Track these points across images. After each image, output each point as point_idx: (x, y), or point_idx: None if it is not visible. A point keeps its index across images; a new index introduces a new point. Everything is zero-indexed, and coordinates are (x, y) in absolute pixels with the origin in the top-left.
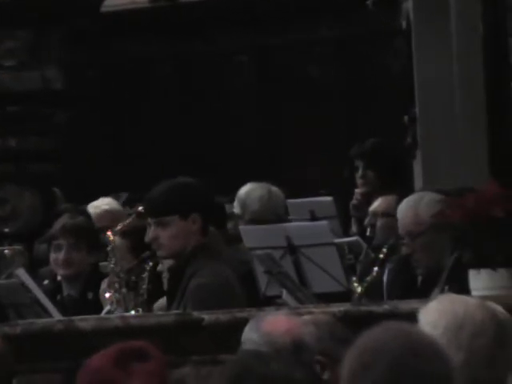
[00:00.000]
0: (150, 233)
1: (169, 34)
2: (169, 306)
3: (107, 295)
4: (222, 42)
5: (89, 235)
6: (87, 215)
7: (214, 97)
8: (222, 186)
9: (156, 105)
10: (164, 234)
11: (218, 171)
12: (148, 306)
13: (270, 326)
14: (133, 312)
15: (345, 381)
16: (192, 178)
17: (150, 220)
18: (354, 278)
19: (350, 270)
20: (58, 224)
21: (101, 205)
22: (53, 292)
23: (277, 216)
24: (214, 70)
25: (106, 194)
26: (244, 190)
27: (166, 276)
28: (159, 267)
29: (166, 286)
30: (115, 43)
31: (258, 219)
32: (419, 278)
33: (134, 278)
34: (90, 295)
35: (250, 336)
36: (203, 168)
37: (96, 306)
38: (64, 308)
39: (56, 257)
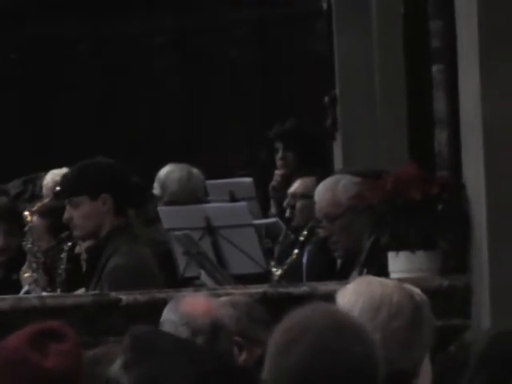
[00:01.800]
0: (66, 213)
1: (85, 13)
2: (87, 287)
3: (26, 275)
4: (141, 23)
5: (19, 217)
6: (8, 195)
7: (136, 78)
8: (143, 167)
9: (75, 87)
10: (76, 214)
11: (139, 152)
12: (66, 286)
13: (188, 307)
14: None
15: (270, 355)
16: (109, 159)
17: (63, 200)
18: (273, 263)
19: (267, 253)
20: None
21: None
22: None
23: (196, 197)
24: (134, 51)
25: (25, 175)
26: (163, 172)
27: (84, 257)
28: (77, 249)
29: (84, 267)
30: (29, 24)
31: (177, 200)
32: (338, 261)
33: (51, 257)
34: (15, 276)
35: (169, 317)
36: (123, 149)
37: (19, 287)
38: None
39: None
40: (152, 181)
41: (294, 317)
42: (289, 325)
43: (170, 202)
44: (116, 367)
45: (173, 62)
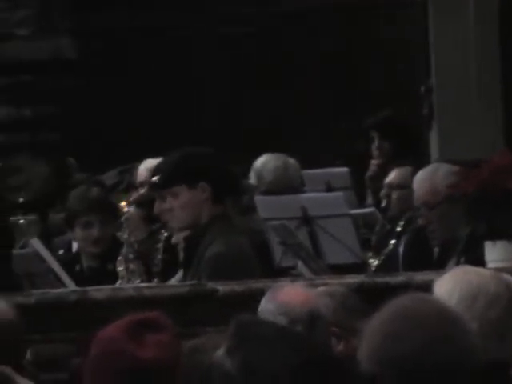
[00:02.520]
0: (159, 205)
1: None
2: (184, 277)
3: (121, 268)
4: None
5: (113, 208)
6: (102, 186)
7: (223, 65)
8: (236, 156)
9: (167, 75)
10: (175, 205)
11: (232, 141)
12: (163, 276)
13: (286, 297)
14: (147, 282)
15: (371, 350)
16: (205, 148)
17: (158, 191)
18: (370, 254)
19: (364, 244)
20: (79, 197)
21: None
22: (70, 262)
23: (292, 187)
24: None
25: (119, 165)
26: (260, 161)
27: (181, 246)
28: (174, 239)
29: (181, 256)
30: (120, 11)
31: (273, 190)
32: (435, 250)
33: (147, 247)
34: (110, 266)
35: (267, 306)
36: (216, 138)
37: (115, 277)
38: (83, 279)
39: (87, 234)
40: (247, 170)
41: (395, 307)
42: (391, 315)
43: (267, 192)
44: (220, 353)
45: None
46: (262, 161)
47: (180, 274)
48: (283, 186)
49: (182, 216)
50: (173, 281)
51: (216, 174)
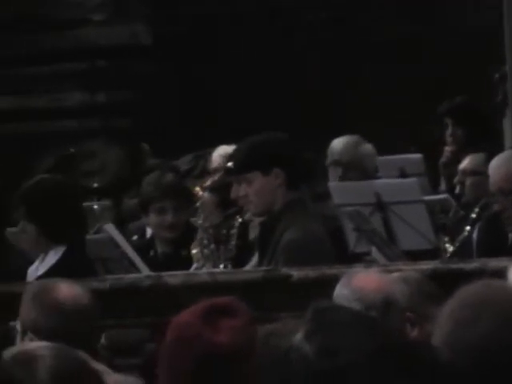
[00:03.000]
0: (236, 190)
1: None
2: (259, 263)
3: (195, 251)
4: None
5: (187, 194)
6: (177, 171)
7: (296, 53)
8: (310, 141)
9: (235, 60)
10: (249, 191)
11: (306, 127)
12: (237, 261)
13: (361, 283)
14: (221, 267)
15: (443, 336)
16: (279, 133)
17: (234, 177)
18: (446, 238)
19: (440, 229)
20: (154, 183)
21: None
22: (144, 248)
23: (366, 173)
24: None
25: (194, 150)
26: (336, 144)
27: (252, 226)
28: (248, 216)
29: (256, 241)
30: None
31: (346, 170)
32: (510, 236)
33: (224, 232)
34: (185, 252)
35: (342, 292)
36: (284, 123)
37: (189, 263)
38: (158, 264)
39: (161, 220)
40: (322, 156)
41: (467, 293)
42: (463, 302)
43: (341, 177)
44: (297, 337)
45: (337, 36)
46: (338, 143)
47: (255, 260)
48: (358, 169)
49: (257, 202)
50: (248, 267)
51: (290, 161)
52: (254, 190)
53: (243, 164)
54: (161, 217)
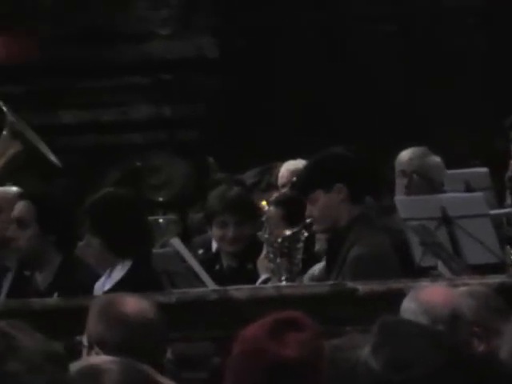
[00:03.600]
0: (307, 210)
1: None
2: (327, 276)
3: (262, 265)
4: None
5: (250, 208)
6: (242, 185)
7: (361, 66)
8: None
9: (300, 72)
10: (314, 210)
11: (373, 140)
12: (303, 276)
13: (428, 296)
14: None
15: (510, 350)
16: (341, 148)
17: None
18: None
19: (506, 243)
20: (218, 197)
21: (297, 164)
22: (210, 262)
23: (433, 187)
24: (357, 38)
25: (259, 164)
26: (403, 155)
27: (318, 238)
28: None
29: (324, 255)
30: (265, 9)
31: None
32: None
33: (290, 246)
34: (250, 265)
35: (409, 306)
36: (349, 139)
37: (255, 276)
38: (223, 278)
39: (223, 233)
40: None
41: None
42: None
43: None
44: (365, 351)
45: (399, 48)
46: (405, 155)
47: (316, 266)
48: (422, 176)
49: (322, 219)
50: (309, 272)
51: (351, 175)
52: (318, 208)
53: (305, 185)
54: (222, 231)
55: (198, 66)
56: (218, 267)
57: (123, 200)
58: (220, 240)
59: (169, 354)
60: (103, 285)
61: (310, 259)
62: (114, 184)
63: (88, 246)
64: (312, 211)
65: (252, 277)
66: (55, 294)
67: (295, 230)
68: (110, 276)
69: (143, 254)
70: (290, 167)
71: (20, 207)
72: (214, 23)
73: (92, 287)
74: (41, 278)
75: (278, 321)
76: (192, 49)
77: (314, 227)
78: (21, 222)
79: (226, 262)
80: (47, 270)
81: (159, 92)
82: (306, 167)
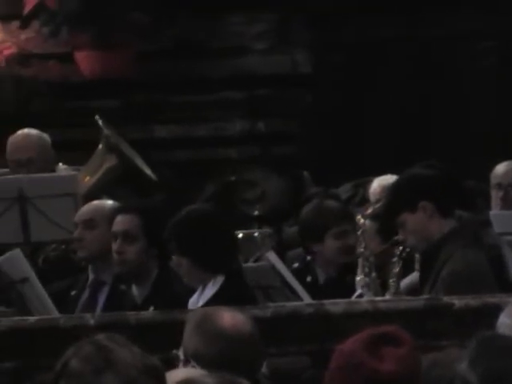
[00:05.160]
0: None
1: (407, 15)
2: (421, 290)
3: (358, 279)
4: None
5: (350, 220)
6: (337, 199)
7: (453, 82)
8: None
9: (395, 88)
10: (405, 233)
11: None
12: (398, 290)
13: None
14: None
15: None
16: (418, 167)
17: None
18: None
19: None
20: (326, 209)
21: (389, 179)
22: (300, 274)
23: None
24: (453, 55)
25: (354, 179)
26: (498, 168)
27: (418, 260)
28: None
29: (417, 269)
30: (358, 24)
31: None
32: None
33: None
34: (349, 277)
35: (505, 321)
36: (443, 155)
37: (352, 289)
38: (317, 290)
39: (342, 243)
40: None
41: None
42: None
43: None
44: (462, 366)
45: (492, 65)
46: (501, 169)
47: (408, 278)
48: None
49: (415, 241)
50: (404, 281)
51: (433, 191)
52: (408, 231)
53: (390, 210)
54: (342, 240)
55: (292, 81)
56: (309, 279)
57: (206, 216)
58: (338, 250)
59: (264, 368)
60: (197, 301)
61: (407, 273)
62: (208, 198)
63: (178, 267)
64: (404, 235)
65: (350, 290)
66: (151, 308)
67: (389, 244)
68: (203, 292)
69: (235, 269)
70: (381, 183)
71: (124, 221)
72: (308, 38)
73: (187, 300)
74: (137, 292)
75: (375, 335)
76: (287, 64)
77: (412, 249)
78: (127, 236)
79: (323, 273)
80: (144, 283)
81: (254, 107)
82: (388, 191)
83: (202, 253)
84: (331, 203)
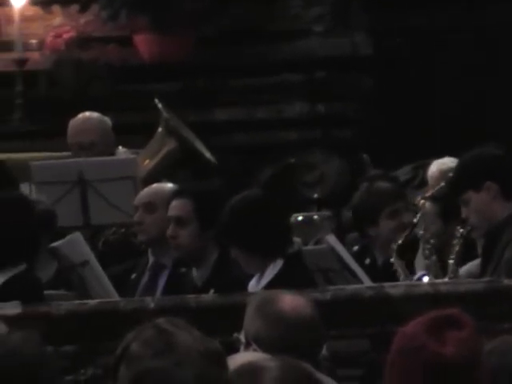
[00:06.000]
0: (462, 212)
1: (470, 1)
2: (482, 273)
3: (418, 261)
4: None
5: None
6: (396, 181)
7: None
8: None
9: (453, 73)
10: (469, 212)
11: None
12: (457, 272)
13: None
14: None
15: None
16: (487, 147)
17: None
18: None
19: None
20: (379, 191)
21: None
22: (357, 256)
23: None
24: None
25: (412, 161)
26: None
27: (480, 242)
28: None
29: (479, 252)
30: (419, 7)
31: None
32: None
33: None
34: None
35: None
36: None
37: (412, 272)
38: (377, 272)
39: (397, 223)
40: None
41: None
42: None
43: None
44: None
45: None
46: None
47: (467, 266)
48: None
49: (477, 221)
50: (464, 269)
51: (500, 172)
52: (471, 210)
53: (456, 186)
54: (397, 220)
55: (352, 64)
56: (368, 262)
57: (255, 204)
58: (393, 229)
59: (324, 351)
60: (256, 284)
61: (467, 255)
62: (267, 181)
63: (236, 256)
64: (467, 213)
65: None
66: (211, 291)
67: (449, 226)
68: (262, 275)
69: (293, 252)
70: (440, 166)
71: (178, 205)
72: (368, 20)
73: (247, 283)
74: (198, 275)
75: (437, 318)
76: (346, 46)
77: (472, 234)
78: (180, 220)
79: (381, 256)
80: (204, 267)
81: (313, 90)
82: (455, 168)
83: (257, 241)
84: (381, 184)
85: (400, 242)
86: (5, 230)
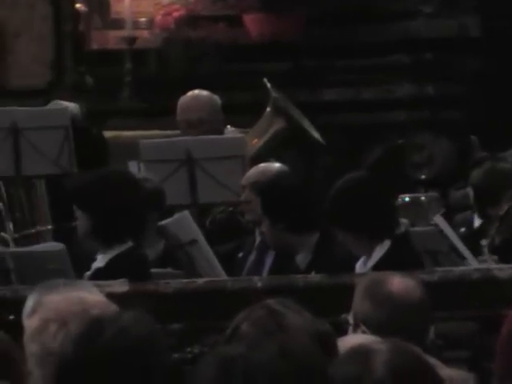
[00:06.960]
0: None
1: None
2: None
3: None
4: None
5: None
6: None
7: None
8: None
9: None
10: None
11: None
12: None
13: None
14: None
15: None
16: None
17: None
18: None
19: None
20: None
21: None
22: (471, 239)
23: None
24: None
25: None
26: None
27: None
28: None
29: None
30: None
31: None
32: None
33: None
34: None
35: None
36: None
37: None
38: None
39: None
40: None
41: None
42: None
43: None
44: None
45: None
46: None
47: None
48: None
49: None
50: None
51: None
52: None
53: None
54: None
55: (460, 45)
56: (484, 243)
57: (359, 187)
58: None
59: (431, 333)
60: (364, 265)
61: None
62: (376, 162)
63: (344, 241)
64: None
65: None
66: (312, 273)
67: None
68: (370, 256)
69: (401, 233)
70: None
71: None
72: (475, 2)
73: (350, 264)
74: (300, 258)
75: None
76: (454, 27)
77: None
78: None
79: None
80: (305, 250)
81: (421, 71)
82: None
83: (363, 223)
84: (504, 165)
85: None
86: (111, 208)
